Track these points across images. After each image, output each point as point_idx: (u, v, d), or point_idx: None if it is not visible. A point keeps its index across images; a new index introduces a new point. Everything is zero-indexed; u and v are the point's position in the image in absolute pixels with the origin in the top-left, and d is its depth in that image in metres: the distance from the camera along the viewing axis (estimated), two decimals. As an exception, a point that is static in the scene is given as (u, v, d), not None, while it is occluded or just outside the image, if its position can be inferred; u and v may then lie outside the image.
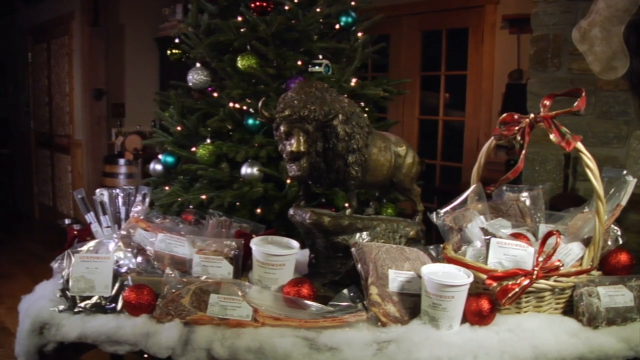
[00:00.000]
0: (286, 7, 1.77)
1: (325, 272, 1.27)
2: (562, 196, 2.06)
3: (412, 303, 1.19)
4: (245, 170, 1.65)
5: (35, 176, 5.34)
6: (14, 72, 5.68)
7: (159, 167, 1.89)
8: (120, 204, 1.49)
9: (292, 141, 1.10)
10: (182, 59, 1.90)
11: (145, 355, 1.22)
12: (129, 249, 1.28)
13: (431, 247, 1.34)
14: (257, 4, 1.71)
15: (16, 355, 1.30)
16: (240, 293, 1.18)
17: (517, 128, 1.31)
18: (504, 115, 1.33)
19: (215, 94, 1.82)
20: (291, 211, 1.26)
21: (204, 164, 1.67)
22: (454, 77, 3.79)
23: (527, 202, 1.49)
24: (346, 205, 1.59)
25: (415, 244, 1.35)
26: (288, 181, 1.67)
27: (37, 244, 4.63)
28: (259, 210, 1.64)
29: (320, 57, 1.78)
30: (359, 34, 1.89)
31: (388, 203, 1.82)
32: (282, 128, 1.11)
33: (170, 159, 1.78)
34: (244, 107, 1.74)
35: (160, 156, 1.90)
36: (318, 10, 1.78)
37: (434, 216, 1.33)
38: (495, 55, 3.38)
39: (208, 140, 1.69)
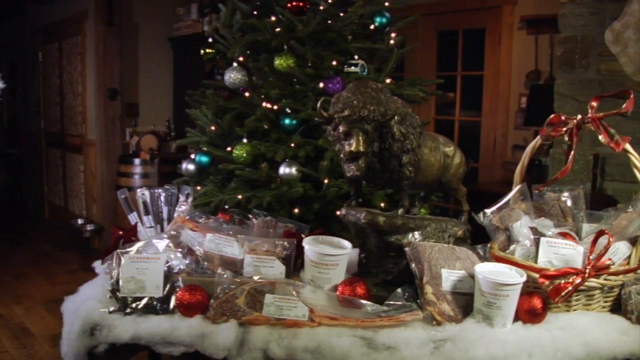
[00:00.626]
0: (321, 7, 1.77)
1: (376, 271, 1.28)
2: (592, 196, 2.07)
3: (464, 302, 1.20)
4: (283, 170, 1.64)
5: (46, 176, 5.32)
6: (24, 72, 5.66)
7: (191, 166, 1.88)
8: (163, 203, 1.48)
9: (352, 141, 1.10)
10: (215, 59, 1.90)
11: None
12: (179, 249, 1.28)
13: (478, 246, 1.34)
14: (294, 3, 1.71)
15: (63, 356, 1.29)
16: (294, 293, 1.18)
17: (564, 129, 1.32)
18: (552, 116, 1.34)
19: (247, 94, 1.82)
20: (343, 211, 1.26)
21: (241, 163, 1.67)
22: (469, 77, 3.79)
23: (568, 202, 1.50)
24: (382, 205, 1.58)
25: (462, 244, 1.35)
26: (326, 181, 1.67)
27: (49, 244, 4.62)
28: (296, 210, 1.64)
29: (356, 57, 1.78)
30: (392, 34, 1.90)
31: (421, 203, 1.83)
32: (341, 128, 1.11)
33: (205, 159, 1.78)
34: (275, 107, 1.74)
35: (192, 155, 1.89)
36: (353, 10, 1.78)
37: (480, 216, 1.34)
38: (513, 55, 3.39)
39: (244, 140, 1.69)
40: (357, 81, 1.19)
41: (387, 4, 1.86)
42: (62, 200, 5.03)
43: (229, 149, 1.75)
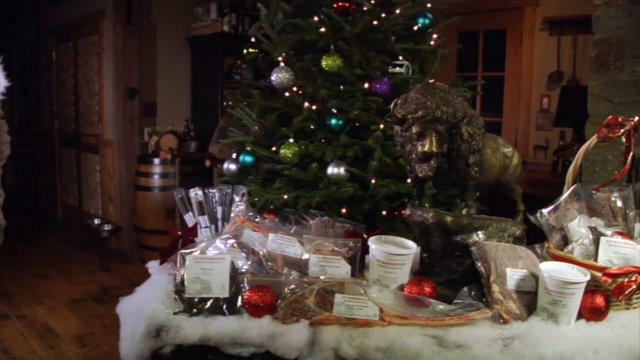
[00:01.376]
0: (365, 8, 1.78)
1: (440, 270, 1.29)
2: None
3: (527, 300, 1.22)
4: (331, 170, 1.66)
5: (59, 176, 5.30)
6: (36, 72, 5.63)
7: (232, 166, 1.89)
8: (217, 203, 1.49)
9: (425, 142, 1.12)
10: (258, 58, 1.90)
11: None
12: (244, 249, 1.29)
13: (536, 245, 1.36)
14: (340, 4, 1.72)
15: (123, 357, 1.28)
16: (362, 292, 1.19)
17: (621, 131, 1.34)
18: (609, 117, 1.36)
19: (287, 94, 1.82)
20: (408, 211, 1.27)
21: (287, 163, 1.68)
22: (489, 78, 3.81)
23: (618, 203, 1.52)
24: (426, 205, 1.59)
25: (519, 243, 1.37)
26: (373, 181, 1.69)
27: (64, 244, 4.61)
28: (344, 210, 1.65)
29: (400, 58, 1.79)
30: (434, 36, 1.92)
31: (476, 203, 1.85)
32: (414, 129, 1.13)
33: (248, 159, 1.78)
34: (315, 107, 1.75)
35: (233, 155, 1.90)
36: (398, 11, 1.80)
37: (537, 216, 1.35)
38: (534, 56, 3.42)
39: (290, 140, 1.70)
40: (424, 83, 1.21)
41: (429, 5, 1.88)
42: (76, 200, 5.02)
43: (273, 148, 1.76)
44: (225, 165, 1.92)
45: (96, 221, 4.29)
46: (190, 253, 1.28)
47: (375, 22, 1.76)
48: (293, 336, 1.14)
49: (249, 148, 1.79)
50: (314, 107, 1.75)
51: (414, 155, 1.15)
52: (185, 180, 3.59)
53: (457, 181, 1.24)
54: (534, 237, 1.43)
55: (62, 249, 4.48)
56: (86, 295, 3.44)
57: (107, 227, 4.15)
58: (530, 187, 3.13)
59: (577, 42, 3.17)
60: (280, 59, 1.88)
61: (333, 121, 1.72)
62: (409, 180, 1.76)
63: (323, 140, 1.70)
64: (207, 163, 3.17)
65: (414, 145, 1.14)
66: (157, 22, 4.18)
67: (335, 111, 1.72)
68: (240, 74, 4.11)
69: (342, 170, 1.66)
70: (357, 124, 1.71)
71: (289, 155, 1.68)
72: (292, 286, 1.22)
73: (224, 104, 3.93)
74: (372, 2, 1.82)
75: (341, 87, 1.73)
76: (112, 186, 4.21)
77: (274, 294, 1.21)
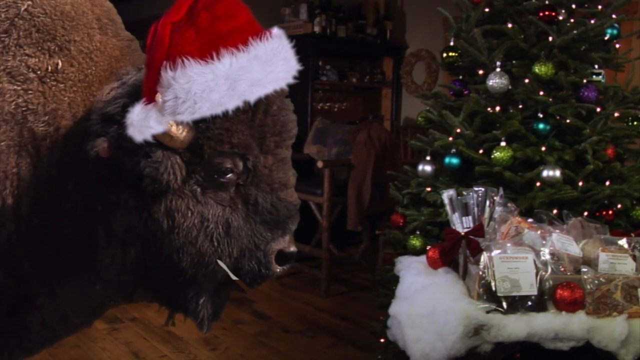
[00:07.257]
0: (560, 17, 1.90)
1: None
2: None
3: None
4: (547, 172, 1.76)
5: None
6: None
7: (428, 167, 1.97)
8: (474, 205, 1.57)
9: None
10: (456, 63, 1.99)
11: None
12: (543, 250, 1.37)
13: None
14: (547, 13, 1.82)
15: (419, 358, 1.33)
16: (661, 286, 1.30)
17: None
18: None
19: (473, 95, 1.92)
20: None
21: (500, 166, 1.78)
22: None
23: None
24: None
25: None
26: (580, 183, 1.80)
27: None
28: (555, 211, 1.75)
29: (596, 66, 1.91)
30: (617, 46, 2.05)
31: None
32: None
33: (455, 160, 1.87)
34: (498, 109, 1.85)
35: (427, 157, 1.98)
36: (592, 22, 1.91)
37: None
38: (637, 62, 3.58)
39: (503, 144, 1.80)
40: None
41: (614, 16, 2.00)
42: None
43: (480, 151, 1.85)
44: (420, 167, 2.00)
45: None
46: (496, 253, 1.34)
47: (575, 32, 1.87)
48: (615, 329, 1.25)
49: (454, 150, 1.88)
50: (495, 110, 1.86)
51: None
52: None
53: None
54: None
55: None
56: (188, 298, 3.44)
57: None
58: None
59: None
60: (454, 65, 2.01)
61: (541, 126, 1.82)
62: (607, 183, 1.89)
63: (536, 144, 1.80)
64: (320, 164, 3.22)
65: None
66: (242, 22, 4.20)
67: (541, 116, 1.82)
68: (326, 75, 4.17)
69: (557, 173, 1.76)
70: (562, 129, 1.82)
71: (505, 158, 1.78)
72: (595, 282, 1.32)
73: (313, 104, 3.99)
74: (563, 11, 1.94)
75: (553, 93, 1.84)
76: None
77: (582, 290, 1.30)
